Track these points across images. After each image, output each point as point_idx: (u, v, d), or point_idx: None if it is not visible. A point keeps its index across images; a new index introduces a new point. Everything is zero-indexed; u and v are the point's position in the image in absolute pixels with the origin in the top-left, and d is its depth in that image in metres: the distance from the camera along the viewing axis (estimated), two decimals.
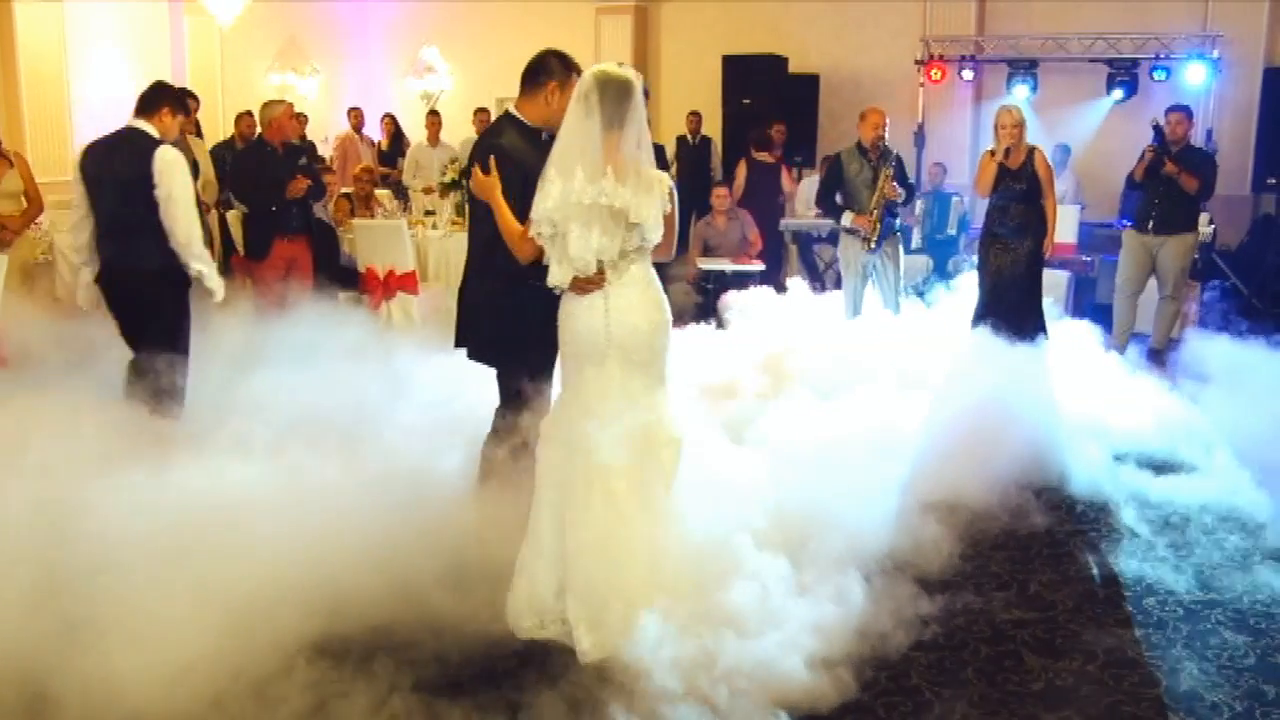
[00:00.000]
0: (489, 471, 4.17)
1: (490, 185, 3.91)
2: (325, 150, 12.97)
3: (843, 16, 12.73)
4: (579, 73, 3.97)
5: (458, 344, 4.32)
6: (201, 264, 5.28)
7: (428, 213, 9.34)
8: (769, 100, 11.76)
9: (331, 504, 4.08)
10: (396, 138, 12.93)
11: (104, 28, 13.65)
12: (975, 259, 7.61)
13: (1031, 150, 7.05)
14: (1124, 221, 10.76)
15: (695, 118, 12.29)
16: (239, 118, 10.32)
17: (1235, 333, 7.56)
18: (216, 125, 13.34)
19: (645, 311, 3.75)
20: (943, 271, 10.13)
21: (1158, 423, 6.29)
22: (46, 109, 13.14)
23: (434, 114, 11.89)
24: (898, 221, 7.72)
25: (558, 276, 3.68)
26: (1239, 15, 11.08)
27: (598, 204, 3.56)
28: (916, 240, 10.92)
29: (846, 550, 4.14)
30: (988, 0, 12.29)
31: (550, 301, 3.83)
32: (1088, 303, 9.67)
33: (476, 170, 3.99)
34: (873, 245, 7.47)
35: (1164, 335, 8.24)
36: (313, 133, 12.82)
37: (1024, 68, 11.48)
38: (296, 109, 11.68)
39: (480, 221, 4.10)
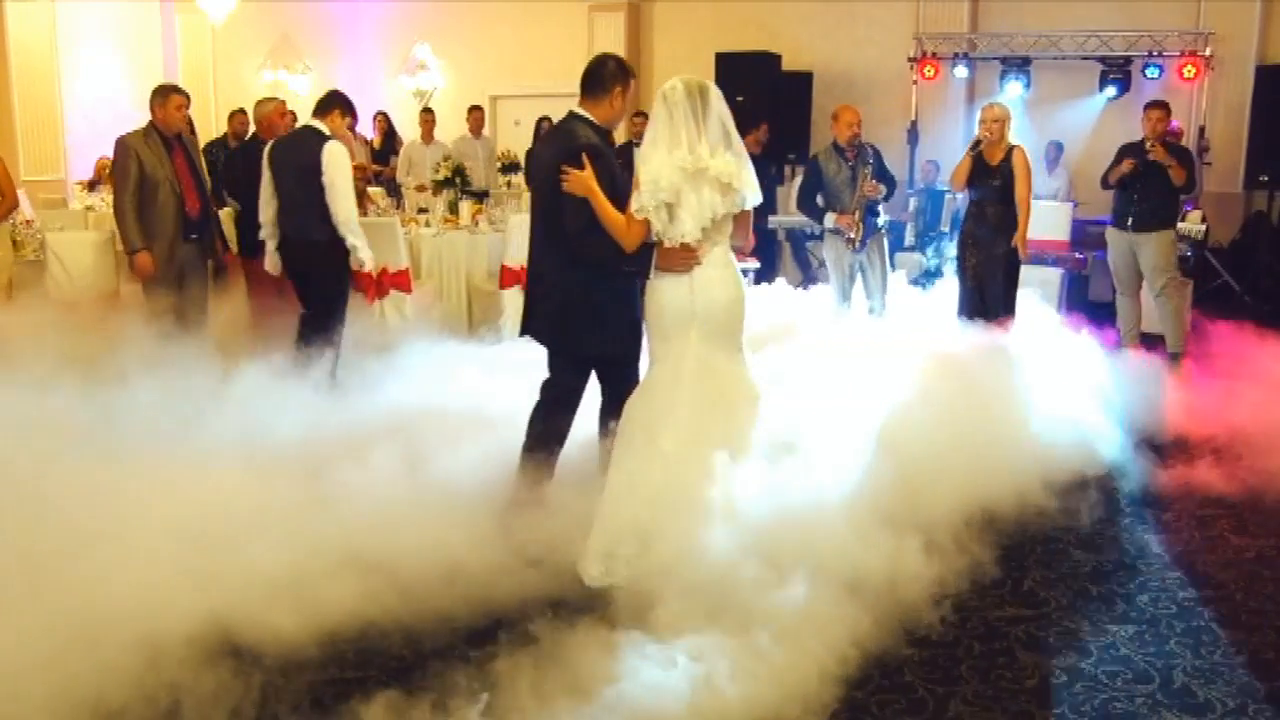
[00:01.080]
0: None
1: (590, 181, 4.24)
2: None
3: (835, 14, 12.72)
4: (635, 76, 4.61)
5: (524, 331, 4.70)
6: (355, 238, 6.37)
7: (421, 211, 9.31)
8: (762, 98, 11.74)
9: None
10: (389, 135, 12.90)
11: (95, 26, 13.66)
12: (955, 258, 7.62)
13: (1011, 149, 7.04)
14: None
15: None
16: (232, 115, 10.29)
17: (1230, 329, 7.58)
18: (209, 123, 13.33)
19: (725, 288, 4.25)
20: (934, 267, 10.16)
21: (1149, 417, 6.28)
22: (38, 107, 13.14)
23: (427, 111, 11.86)
24: (881, 219, 7.66)
25: (688, 230, 4.13)
26: (1231, 13, 11.09)
27: (699, 169, 4.07)
28: (910, 238, 10.95)
29: (837, 550, 4.06)
30: None
31: (636, 289, 4.38)
32: (1081, 300, 9.68)
33: (569, 168, 4.27)
34: (857, 245, 7.44)
35: (1177, 337, 7.92)
36: None
37: (1017, 65, 11.49)
38: (288, 107, 11.73)
39: (572, 215, 4.32)
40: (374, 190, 10.24)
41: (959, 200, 11.32)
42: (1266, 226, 10.82)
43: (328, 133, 6.36)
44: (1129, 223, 7.89)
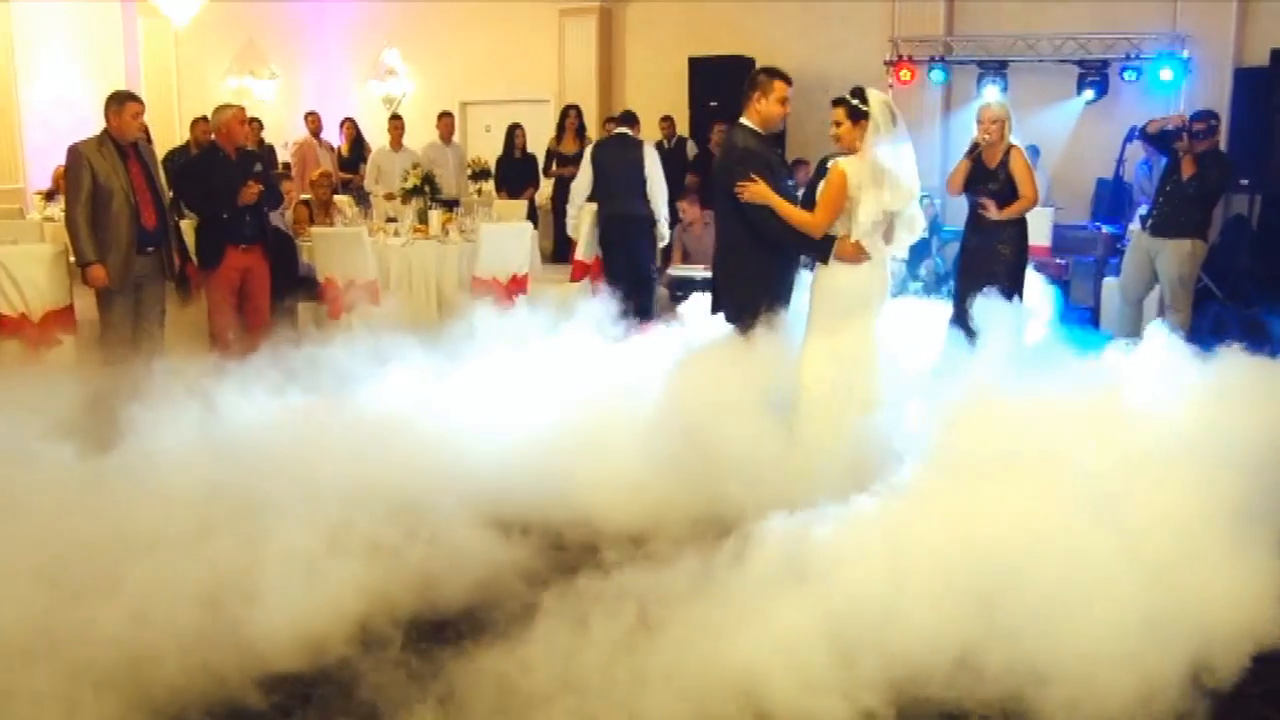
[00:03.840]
0: None
1: (764, 190, 5.08)
2: (284, 155, 12.68)
3: (809, 16, 12.58)
4: (781, 79, 5.36)
5: (714, 310, 5.60)
6: (665, 212, 8.75)
7: (389, 220, 9.08)
8: (736, 102, 11.53)
9: None
10: (357, 142, 12.62)
11: (54, 29, 13.34)
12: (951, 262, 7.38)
13: (1008, 150, 6.74)
14: (1096, 224, 10.71)
15: (669, 122, 12.13)
16: (194, 123, 10.02)
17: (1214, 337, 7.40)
18: (172, 130, 13.05)
19: (886, 275, 5.23)
20: (915, 274, 9.99)
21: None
22: None
23: (396, 118, 11.61)
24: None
25: (904, 243, 5.25)
26: (1207, 15, 10.99)
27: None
28: None
29: None
30: (956, 0, 12.16)
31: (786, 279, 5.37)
32: (1060, 306, 9.51)
33: (743, 184, 5.11)
34: None
35: None
36: (271, 137, 12.53)
37: (994, 68, 11.36)
38: (253, 113, 11.45)
39: (760, 222, 5.17)
40: (341, 199, 9.99)
41: (935, 205, 11.20)
42: (1246, 230, 10.73)
43: (637, 137, 8.98)
44: (1149, 225, 7.70)
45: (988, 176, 6.72)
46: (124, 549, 3.78)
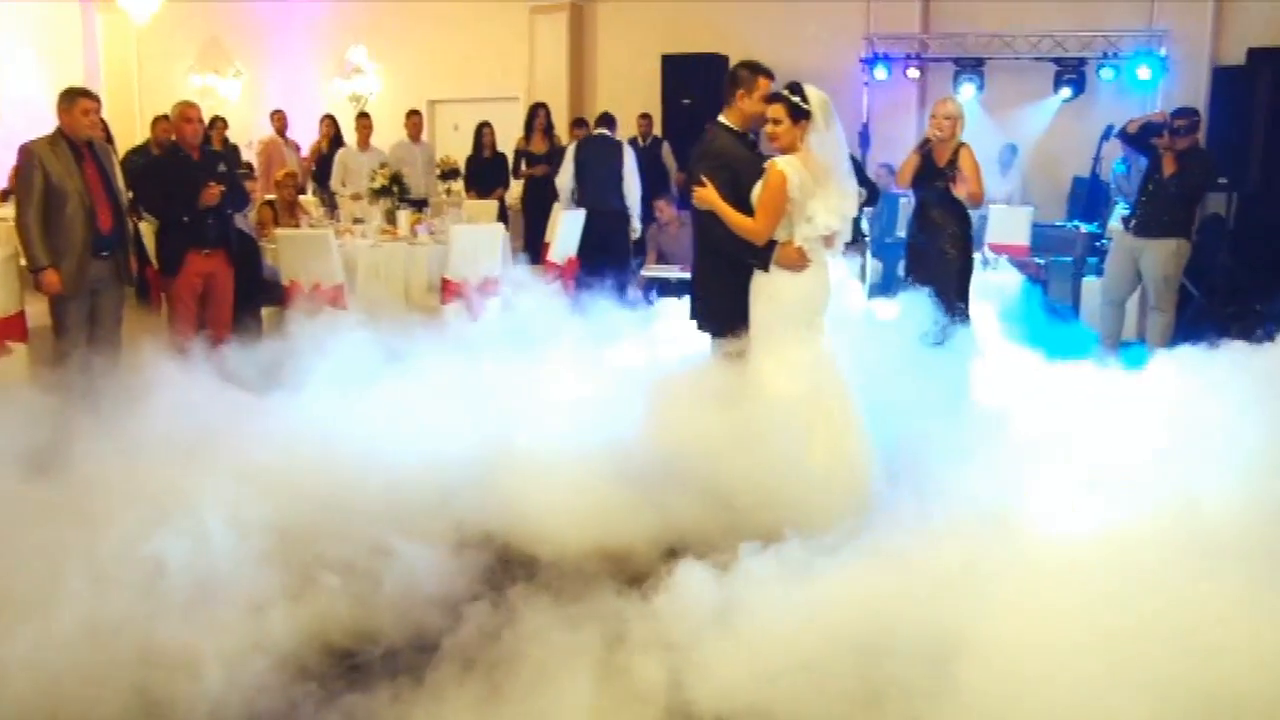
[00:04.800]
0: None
1: (709, 195, 4.80)
2: (249, 155, 12.39)
3: (784, 14, 12.41)
4: (764, 74, 4.97)
5: (692, 316, 5.26)
6: (636, 208, 9.65)
7: (356, 221, 8.85)
8: (709, 100, 11.42)
9: None
10: (336, 140, 12.20)
11: (10, 25, 13.03)
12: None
13: (958, 147, 6.55)
14: (1074, 223, 10.62)
15: (646, 120, 11.95)
16: (155, 121, 9.75)
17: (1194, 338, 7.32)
18: (134, 129, 12.75)
19: (829, 281, 4.93)
20: (892, 275, 9.88)
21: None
22: None
23: (364, 116, 11.34)
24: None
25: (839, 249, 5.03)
26: (1184, 13, 10.92)
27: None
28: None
29: None
30: None
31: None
32: (1037, 305, 9.41)
33: (695, 187, 4.88)
34: None
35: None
36: (236, 137, 12.24)
37: (970, 66, 11.27)
38: (218, 112, 11.19)
39: (711, 225, 4.92)
40: (306, 199, 9.75)
41: (913, 205, 11.10)
42: (1224, 230, 10.67)
43: (616, 138, 9.88)
44: (1132, 225, 7.62)
45: (936, 174, 6.61)
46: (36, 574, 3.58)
